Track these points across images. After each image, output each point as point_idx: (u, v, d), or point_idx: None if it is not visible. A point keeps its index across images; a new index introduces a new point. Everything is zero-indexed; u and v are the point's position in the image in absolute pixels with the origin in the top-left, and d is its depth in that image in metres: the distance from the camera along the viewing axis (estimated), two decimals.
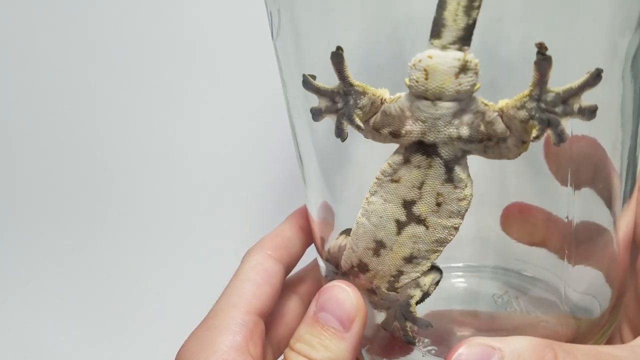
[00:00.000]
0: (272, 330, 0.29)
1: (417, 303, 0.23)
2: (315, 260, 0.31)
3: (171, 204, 0.45)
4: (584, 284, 0.25)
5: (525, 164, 0.26)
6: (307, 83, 0.21)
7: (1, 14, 0.43)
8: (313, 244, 0.30)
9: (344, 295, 0.23)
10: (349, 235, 0.24)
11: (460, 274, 0.29)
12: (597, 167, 0.24)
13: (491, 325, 0.27)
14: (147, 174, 0.45)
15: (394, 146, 0.22)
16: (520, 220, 0.27)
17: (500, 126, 0.20)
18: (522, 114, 0.19)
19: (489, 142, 0.20)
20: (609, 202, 0.24)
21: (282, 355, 0.24)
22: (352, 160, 0.26)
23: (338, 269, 0.25)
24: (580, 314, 0.26)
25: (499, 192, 0.27)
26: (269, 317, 0.28)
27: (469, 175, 0.21)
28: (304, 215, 0.30)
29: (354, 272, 0.24)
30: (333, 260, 0.25)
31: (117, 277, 0.47)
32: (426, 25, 0.20)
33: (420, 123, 0.20)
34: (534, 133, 0.19)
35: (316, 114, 0.21)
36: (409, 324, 0.23)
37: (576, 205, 0.24)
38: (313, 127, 0.25)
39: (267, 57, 0.37)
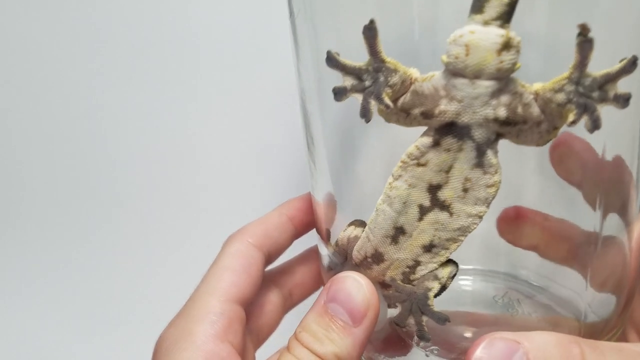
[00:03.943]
0: (251, 320, 0.28)
1: (435, 296, 0.22)
2: (306, 252, 0.30)
3: (171, 203, 0.44)
4: (601, 297, 0.25)
5: (540, 170, 0.25)
6: (332, 60, 0.20)
7: (10, 12, 0.42)
8: (307, 238, 0.29)
9: (356, 287, 0.22)
10: (359, 227, 0.23)
11: (467, 277, 0.28)
12: (614, 175, 0.24)
13: (495, 327, 0.27)
14: (147, 172, 0.44)
15: (405, 135, 0.21)
16: (516, 223, 0.27)
17: (536, 109, 0.19)
18: (560, 97, 0.18)
19: (524, 126, 0.19)
20: (623, 209, 0.24)
21: (287, 342, 0.23)
22: (365, 145, 0.25)
23: (347, 261, 0.24)
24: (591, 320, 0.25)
25: (513, 198, 0.26)
26: (249, 307, 0.27)
27: (499, 161, 0.20)
28: (296, 206, 0.29)
29: (367, 263, 0.23)
30: (342, 252, 0.24)
31: (119, 276, 0.46)
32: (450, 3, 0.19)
33: (456, 103, 0.19)
34: (571, 117, 0.18)
35: (340, 93, 0.20)
36: (425, 319, 0.22)
37: (603, 224, 0.23)
38: (325, 112, 0.24)
39: (272, 53, 0.36)
